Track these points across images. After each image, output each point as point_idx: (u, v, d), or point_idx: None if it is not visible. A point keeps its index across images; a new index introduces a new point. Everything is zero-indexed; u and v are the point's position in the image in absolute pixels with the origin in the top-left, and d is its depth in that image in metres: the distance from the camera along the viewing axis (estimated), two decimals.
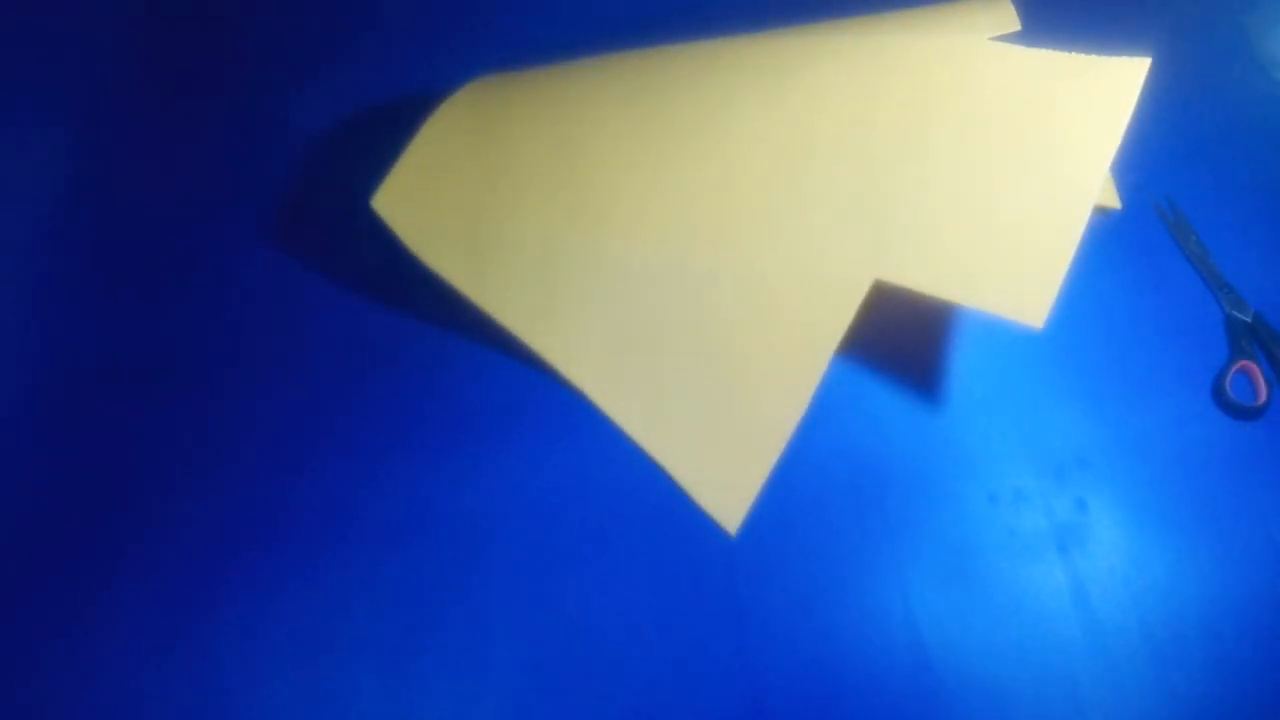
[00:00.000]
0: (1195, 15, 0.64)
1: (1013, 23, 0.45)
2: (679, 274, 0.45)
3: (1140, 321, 0.50)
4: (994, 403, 0.47)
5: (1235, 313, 0.50)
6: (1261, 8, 0.64)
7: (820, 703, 0.39)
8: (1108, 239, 0.50)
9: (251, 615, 0.41)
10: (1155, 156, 0.54)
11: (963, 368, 0.48)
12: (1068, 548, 0.43)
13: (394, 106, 0.58)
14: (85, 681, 0.40)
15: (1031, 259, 0.39)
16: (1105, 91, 0.40)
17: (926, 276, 0.40)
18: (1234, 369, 0.47)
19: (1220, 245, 0.52)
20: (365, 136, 0.57)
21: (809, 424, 0.43)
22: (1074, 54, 0.41)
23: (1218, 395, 0.47)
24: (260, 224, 0.54)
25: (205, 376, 0.48)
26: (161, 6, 0.65)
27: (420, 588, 0.42)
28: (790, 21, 0.50)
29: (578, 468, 0.45)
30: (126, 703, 0.39)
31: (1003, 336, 0.49)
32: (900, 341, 0.49)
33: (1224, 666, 0.40)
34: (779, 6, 0.52)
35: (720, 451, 0.44)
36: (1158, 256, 0.53)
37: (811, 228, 0.43)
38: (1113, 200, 0.48)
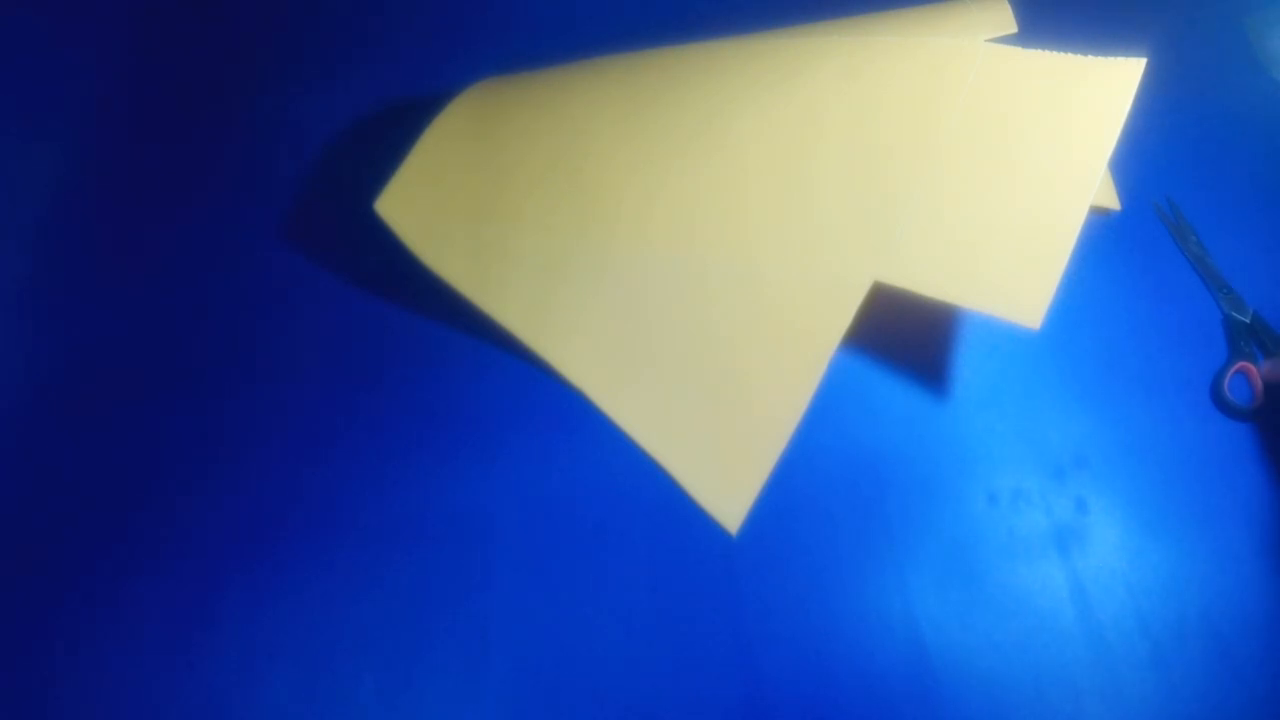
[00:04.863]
0: (1194, 15, 0.64)
1: (1009, 25, 0.45)
2: (679, 275, 0.45)
3: (1140, 322, 0.50)
4: (994, 403, 0.47)
5: (1234, 313, 0.50)
6: (1261, 8, 0.64)
7: (820, 702, 0.39)
8: (1107, 239, 0.51)
9: (252, 614, 0.42)
10: (1155, 156, 0.54)
11: (963, 368, 0.48)
12: (1068, 548, 0.43)
13: (397, 109, 0.58)
14: (86, 679, 0.40)
15: (1028, 260, 0.39)
16: (1101, 92, 0.40)
17: (923, 277, 0.40)
18: (1233, 370, 0.47)
19: (1220, 245, 0.52)
20: (368, 140, 0.57)
21: (809, 424, 0.43)
22: (1070, 55, 0.42)
23: (1216, 396, 0.47)
24: (263, 226, 0.54)
25: (207, 377, 0.49)
26: (164, 8, 0.65)
27: (420, 588, 0.42)
28: (789, 22, 0.50)
29: (578, 468, 0.45)
30: (127, 700, 0.40)
31: (1003, 337, 0.49)
32: (900, 341, 0.49)
33: (1224, 666, 0.40)
34: (778, 7, 0.53)
35: (720, 451, 0.44)
36: (1157, 257, 0.53)
37: (811, 229, 0.43)
38: (1112, 201, 0.48)
